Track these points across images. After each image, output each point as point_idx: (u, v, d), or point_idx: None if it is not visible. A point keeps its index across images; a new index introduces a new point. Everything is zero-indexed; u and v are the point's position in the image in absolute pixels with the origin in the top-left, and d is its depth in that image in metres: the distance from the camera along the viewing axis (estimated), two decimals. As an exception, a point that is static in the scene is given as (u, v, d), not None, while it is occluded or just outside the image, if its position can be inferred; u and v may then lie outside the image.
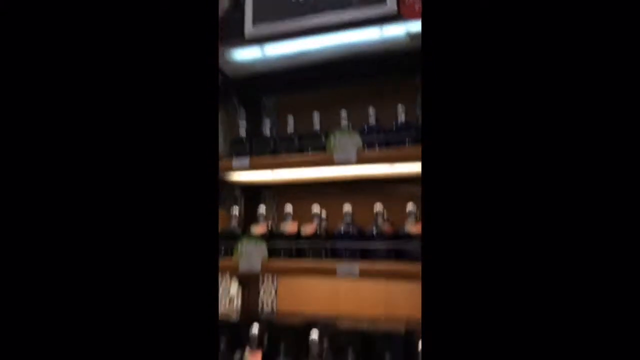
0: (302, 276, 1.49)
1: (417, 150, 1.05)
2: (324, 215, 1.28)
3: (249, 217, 1.56)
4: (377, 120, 1.22)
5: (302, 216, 1.27)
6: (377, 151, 1.12)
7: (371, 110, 1.22)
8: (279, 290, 1.52)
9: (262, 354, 1.13)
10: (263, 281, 1.55)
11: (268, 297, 1.53)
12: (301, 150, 1.26)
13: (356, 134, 1.12)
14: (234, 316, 1.45)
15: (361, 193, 1.43)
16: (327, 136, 1.17)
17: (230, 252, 1.22)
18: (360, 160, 1.11)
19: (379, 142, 1.15)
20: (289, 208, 1.27)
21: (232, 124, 1.55)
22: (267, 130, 1.36)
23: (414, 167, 1.14)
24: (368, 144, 1.14)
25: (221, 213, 1.49)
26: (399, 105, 1.20)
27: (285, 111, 1.40)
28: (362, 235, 1.13)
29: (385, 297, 1.37)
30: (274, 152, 1.29)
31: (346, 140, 1.12)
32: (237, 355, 1.15)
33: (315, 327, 1.13)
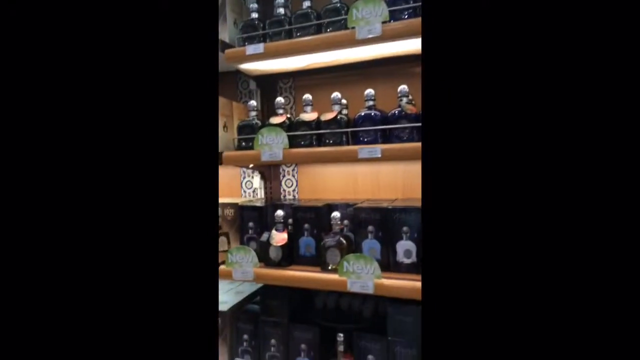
0: (322, 165, 1.51)
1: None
2: (344, 102, 1.22)
3: (267, 109, 1.52)
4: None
5: (322, 107, 1.21)
6: (405, 22, 1.00)
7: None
8: (299, 181, 1.56)
9: (288, 234, 1.20)
10: (284, 172, 1.58)
11: (289, 187, 1.58)
12: (319, 30, 1.15)
13: (382, 2, 0.98)
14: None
15: (385, 77, 1.34)
16: (347, 11, 1.04)
17: (250, 144, 1.22)
18: (386, 34, 0.99)
19: (408, 12, 1.01)
20: (308, 97, 1.21)
21: (242, 7, 1.41)
22: (280, 10, 1.22)
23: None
24: (394, 16, 1.01)
25: (239, 106, 1.46)
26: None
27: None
28: (384, 117, 1.08)
29: (403, 182, 1.38)
30: (290, 35, 1.18)
31: (370, 10, 1.00)
32: (264, 236, 1.23)
33: (336, 209, 1.17)
